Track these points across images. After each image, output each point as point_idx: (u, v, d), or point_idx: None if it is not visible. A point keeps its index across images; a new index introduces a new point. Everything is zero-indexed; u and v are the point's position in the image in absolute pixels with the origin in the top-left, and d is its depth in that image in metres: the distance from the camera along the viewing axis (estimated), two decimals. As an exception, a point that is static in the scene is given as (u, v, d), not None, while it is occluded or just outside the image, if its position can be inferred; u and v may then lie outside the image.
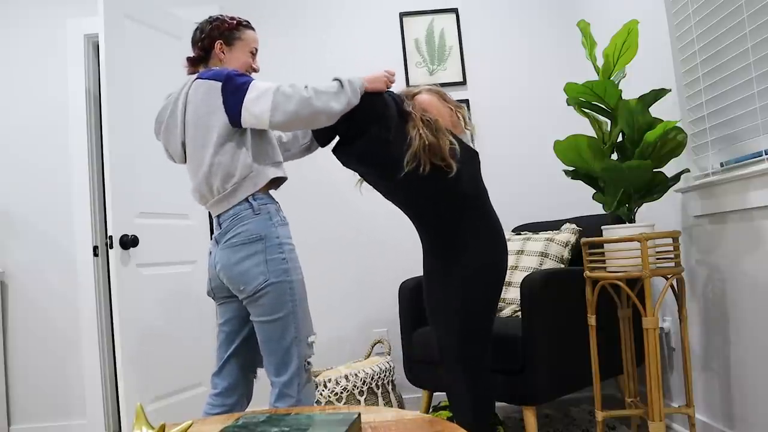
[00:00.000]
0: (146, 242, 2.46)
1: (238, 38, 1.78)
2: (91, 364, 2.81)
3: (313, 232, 2.95)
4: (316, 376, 2.44)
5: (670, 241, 2.03)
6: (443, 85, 2.57)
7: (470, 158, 1.79)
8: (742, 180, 1.70)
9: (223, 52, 1.76)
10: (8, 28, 2.96)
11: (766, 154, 1.65)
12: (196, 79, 1.66)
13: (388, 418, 1.21)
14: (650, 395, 1.76)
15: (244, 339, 1.74)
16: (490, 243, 1.79)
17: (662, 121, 1.82)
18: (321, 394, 2.38)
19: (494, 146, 2.95)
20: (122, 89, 2.46)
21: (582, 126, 2.32)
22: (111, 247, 2.30)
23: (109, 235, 2.31)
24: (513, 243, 2.54)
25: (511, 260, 2.45)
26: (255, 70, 1.83)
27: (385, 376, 2.50)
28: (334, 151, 1.83)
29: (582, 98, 1.92)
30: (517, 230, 2.80)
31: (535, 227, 2.72)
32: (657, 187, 1.90)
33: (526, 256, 2.43)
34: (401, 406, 2.57)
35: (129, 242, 2.36)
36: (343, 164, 1.85)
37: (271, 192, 1.73)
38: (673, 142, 1.85)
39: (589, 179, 2.01)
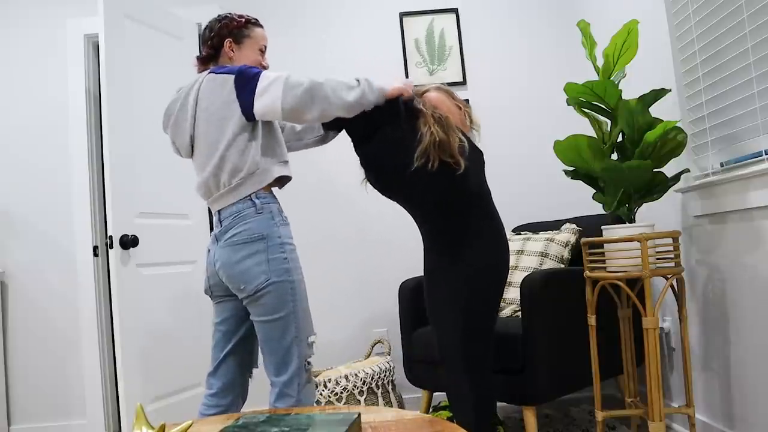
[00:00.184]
0: (146, 242, 2.46)
1: (247, 36, 1.79)
2: (91, 364, 2.81)
3: (314, 232, 2.95)
4: (316, 376, 2.44)
5: (670, 241, 2.03)
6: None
7: (477, 157, 1.81)
8: (742, 180, 1.70)
9: (232, 50, 1.77)
10: (8, 28, 2.96)
11: (766, 154, 1.65)
12: (209, 73, 1.67)
13: (388, 418, 1.21)
14: (650, 395, 1.76)
15: (241, 339, 1.74)
16: (494, 242, 1.80)
17: (662, 121, 1.82)
18: (321, 394, 2.38)
19: (494, 146, 2.94)
20: (122, 89, 2.46)
21: (582, 126, 2.31)
22: (111, 247, 2.30)
23: (109, 235, 2.31)
24: (513, 243, 2.54)
25: (511, 260, 2.45)
26: (264, 68, 1.84)
27: (385, 376, 2.50)
28: (358, 151, 1.85)
29: (582, 98, 1.92)
30: (517, 230, 2.80)
31: (535, 227, 2.72)
32: (657, 187, 1.90)
33: (526, 256, 2.43)
34: (401, 406, 2.57)
35: (129, 242, 2.36)
36: (363, 165, 1.86)
37: (274, 191, 1.73)
38: (673, 142, 1.85)
39: (589, 179, 2.01)
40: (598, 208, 2.65)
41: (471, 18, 3.06)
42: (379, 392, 2.46)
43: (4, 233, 2.88)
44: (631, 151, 1.88)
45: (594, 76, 1.99)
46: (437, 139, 1.69)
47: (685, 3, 1.96)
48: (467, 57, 3.03)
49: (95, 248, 2.88)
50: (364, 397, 2.42)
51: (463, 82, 3.00)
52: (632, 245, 1.80)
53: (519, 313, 2.28)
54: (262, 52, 1.83)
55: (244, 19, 1.79)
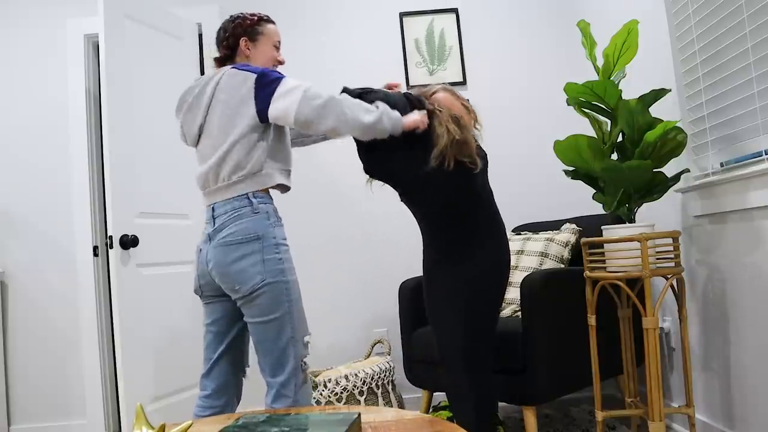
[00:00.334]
0: (146, 242, 2.46)
1: (261, 33, 1.80)
2: (91, 364, 2.81)
3: (314, 233, 2.95)
4: (316, 376, 2.44)
5: (670, 241, 2.03)
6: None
7: (482, 157, 1.82)
8: (742, 180, 1.70)
9: (248, 48, 1.78)
10: (8, 28, 2.96)
11: (766, 154, 1.65)
12: (232, 68, 1.67)
13: (388, 418, 1.21)
14: (650, 395, 1.76)
15: (233, 339, 1.73)
16: (496, 243, 1.81)
17: (662, 121, 1.82)
18: (321, 394, 2.38)
19: (494, 146, 2.93)
20: (122, 89, 2.46)
21: (582, 126, 2.32)
22: (111, 247, 2.30)
23: (109, 235, 2.31)
24: (513, 243, 2.54)
25: (512, 260, 2.45)
26: (281, 63, 1.85)
27: (385, 376, 2.50)
28: (364, 158, 1.84)
29: (582, 98, 1.92)
30: (517, 230, 2.80)
31: (535, 227, 2.72)
32: (657, 187, 1.90)
33: (526, 256, 2.43)
34: (401, 406, 2.57)
35: (129, 242, 2.36)
36: (369, 170, 1.85)
37: (271, 192, 1.73)
38: (673, 142, 1.85)
39: (589, 179, 2.01)
40: (598, 208, 2.65)
41: (471, 18, 3.06)
42: (379, 392, 2.46)
43: (4, 233, 2.88)
44: (631, 151, 1.88)
45: (594, 76, 1.99)
46: (455, 138, 1.70)
47: (685, 3, 1.96)
48: (467, 57, 3.03)
49: (95, 248, 2.88)
50: (364, 397, 2.42)
51: (463, 82, 3.00)
52: (632, 245, 1.80)
53: (519, 313, 2.28)
54: (277, 47, 1.84)
55: (256, 17, 1.81)
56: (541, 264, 2.37)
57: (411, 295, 2.49)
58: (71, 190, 2.88)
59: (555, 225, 2.60)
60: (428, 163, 1.70)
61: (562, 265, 2.36)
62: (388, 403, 2.48)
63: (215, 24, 2.93)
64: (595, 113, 1.98)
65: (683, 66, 2.02)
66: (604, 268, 1.90)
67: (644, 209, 2.29)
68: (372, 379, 2.44)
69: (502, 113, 3.00)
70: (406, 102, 1.78)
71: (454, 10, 3.04)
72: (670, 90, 1.87)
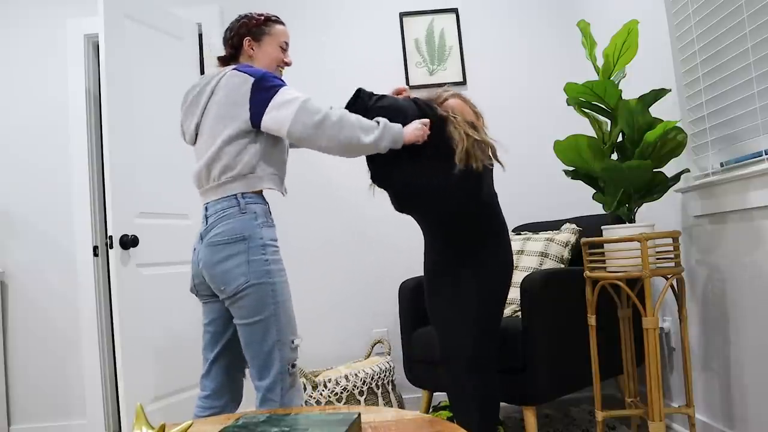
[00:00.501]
0: (146, 242, 2.46)
1: (266, 33, 1.78)
2: (91, 364, 2.81)
3: (314, 233, 2.95)
4: (316, 376, 2.44)
5: (670, 241, 2.03)
6: (443, 85, 2.57)
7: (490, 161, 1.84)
8: (742, 180, 1.70)
9: (252, 48, 1.76)
10: (8, 28, 2.96)
11: (766, 154, 1.65)
12: (234, 69, 1.66)
13: (388, 418, 1.21)
14: (650, 395, 1.76)
15: (230, 340, 1.71)
16: (502, 243, 1.81)
17: (662, 121, 1.82)
18: (321, 394, 2.38)
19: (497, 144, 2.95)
20: (122, 89, 2.46)
21: (582, 126, 2.31)
22: (111, 247, 2.30)
23: (109, 235, 2.31)
24: (513, 243, 2.54)
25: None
26: (287, 64, 1.83)
27: (385, 376, 2.50)
28: (377, 167, 1.83)
29: (582, 98, 1.92)
30: (517, 230, 2.80)
31: (535, 227, 2.72)
32: (657, 187, 1.90)
33: (526, 256, 2.43)
34: (401, 406, 2.57)
35: (129, 242, 2.36)
36: (381, 179, 1.84)
37: (268, 192, 1.72)
38: (673, 142, 1.85)
39: (589, 179, 2.01)
40: (598, 208, 2.65)
41: (471, 18, 3.06)
42: (379, 392, 2.46)
43: (4, 233, 2.88)
44: (631, 151, 1.88)
45: (594, 76, 1.99)
46: (475, 139, 1.72)
47: (685, 3, 1.96)
48: (467, 57, 3.03)
49: (95, 248, 2.88)
50: (364, 397, 2.42)
51: (463, 82, 3.00)
52: (632, 245, 1.80)
53: (519, 313, 2.28)
54: (284, 49, 1.81)
55: (263, 17, 1.79)
56: (541, 264, 2.37)
57: (411, 295, 2.49)
58: (71, 190, 2.88)
59: (555, 225, 2.60)
60: (454, 168, 1.69)
61: (562, 265, 2.36)
62: (388, 403, 2.48)
63: (215, 24, 2.94)
64: (595, 113, 1.98)
65: (683, 66, 2.02)
66: (604, 268, 1.90)
67: (644, 209, 2.29)
68: (372, 379, 2.44)
69: (502, 113, 3.00)
70: (416, 108, 1.78)
71: (454, 10, 3.04)
72: (670, 90, 1.87)
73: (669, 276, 1.82)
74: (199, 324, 2.65)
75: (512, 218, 2.89)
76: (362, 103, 1.79)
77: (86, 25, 2.92)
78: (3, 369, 2.80)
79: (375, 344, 2.75)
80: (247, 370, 1.79)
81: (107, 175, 2.36)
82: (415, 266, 2.86)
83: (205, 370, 1.73)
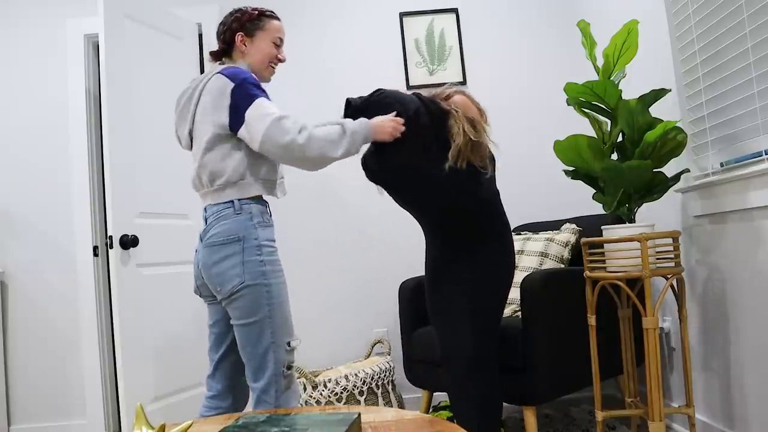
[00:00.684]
0: (146, 242, 2.46)
1: (259, 29, 1.74)
2: (91, 364, 2.81)
3: (314, 233, 2.95)
4: (316, 376, 2.44)
5: (670, 241, 2.03)
6: (443, 85, 2.57)
7: (492, 161, 1.84)
8: (742, 180, 1.70)
9: (244, 44, 1.74)
10: (8, 28, 2.96)
11: (766, 154, 1.65)
12: (218, 72, 1.64)
13: (388, 418, 1.21)
14: (650, 395, 1.76)
15: (234, 341, 1.70)
16: (503, 242, 1.81)
17: (662, 121, 1.82)
18: (321, 394, 2.38)
19: (494, 146, 2.95)
20: (122, 89, 2.46)
21: (582, 126, 2.32)
22: (111, 247, 2.30)
23: (109, 235, 2.31)
24: (513, 243, 2.54)
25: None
26: (280, 60, 1.80)
27: (385, 376, 2.50)
28: (371, 162, 1.82)
29: (582, 98, 1.92)
30: (517, 230, 2.80)
31: (535, 227, 2.72)
32: (657, 187, 1.90)
33: (526, 256, 2.43)
34: (401, 406, 2.57)
35: (129, 242, 2.36)
36: (374, 174, 1.84)
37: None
38: (673, 142, 1.85)
39: (589, 179, 2.01)
40: (598, 208, 2.65)
41: (471, 18, 3.06)
42: (379, 392, 2.46)
43: (4, 233, 2.88)
44: (631, 151, 1.88)
45: (594, 76, 1.99)
46: (471, 139, 1.71)
47: (685, 3, 1.96)
48: (467, 57, 3.03)
49: (95, 248, 2.88)
50: (364, 397, 2.42)
51: (463, 82, 3.00)
52: (632, 245, 1.80)
53: (519, 313, 2.28)
54: (277, 45, 1.78)
55: (257, 12, 1.75)
56: (541, 264, 2.37)
57: (411, 295, 2.49)
58: (71, 190, 2.88)
59: (555, 225, 2.60)
60: (445, 162, 1.70)
61: (562, 265, 2.36)
62: (388, 403, 2.48)
63: (215, 24, 2.93)
64: (595, 113, 1.98)
65: (683, 66, 2.02)
66: (604, 268, 1.90)
67: (644, 209, 2.29)
68: (372, 379, 2.44)
69: (502, 113, 3.00)
70: (419, 102, 1.78)
71: (454, 10, 3.04)
72: (670, 90, 1.87)
73: (669, 276, 1.82)
74: (199, 324, 2.67)
75: (512, 218, 2.88)
76: (355, 107, 1.79)
77: (86, 25, 2.93)
78: (3, 369, 2.80)
79: (375, 344, 2.75)
80: None
81: (107, 175, 2.36)
82: (415, 266, 2.86)
83: (211, 370, 1.73)
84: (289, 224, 2.90)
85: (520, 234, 2.62)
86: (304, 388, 2.40)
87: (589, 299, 1.98)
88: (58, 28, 2.95)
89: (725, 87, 1.80)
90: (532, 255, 2.42)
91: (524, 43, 3.05)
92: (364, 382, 2.42)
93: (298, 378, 2.40)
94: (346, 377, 2.40)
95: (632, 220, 1.94)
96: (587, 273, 1.96)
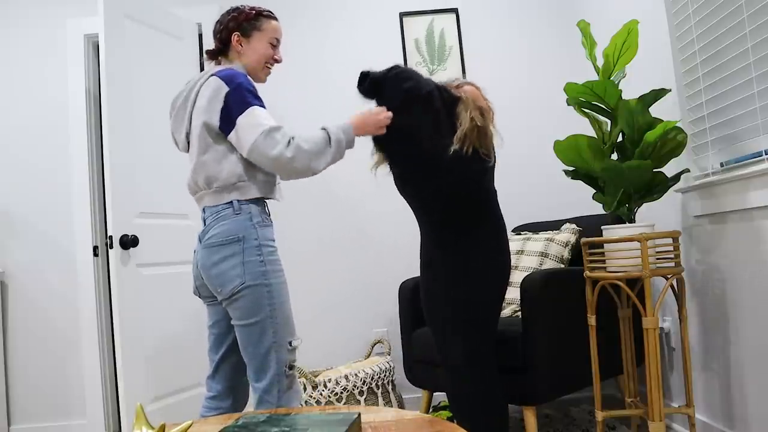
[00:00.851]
0: (146, 242, 2.46)
1: (256, 29, 1.73)
2: (91, 364, 2.81)
3: (314, 233, 2.95)
4: (316, 376, 2.44)
5: (670, 241, 2.03)
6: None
7: (495, 155, 1.86)
8: (742, 180, 1.70)
9: (240, 44, 1.72)
10: (8, 28, 2.96)
11: (766, 154, 1.65)
12: (212, 74, 1.63)
13: (388, 418, 1.21)
14: (650, 395, 1.76)
15: (234, 341, 1.70)
16: (500, 239, 1.81)
17: (662, 121, 1.82)
18: (321, 394, 2.38)
19: (499, 138, 2.95)
20: (122, 89, 2.46)
21: (582, 126, 2.32)
22: (111, 247, 2.30)
23: (109, 235, 2.31)
24: (513, 243, 2.54)
25: (512, 260, 2.45)
26: (277, 61, 1.79)
27: (385, 376, 2.50)
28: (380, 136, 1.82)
29: (582, 98, 1.92)
30: (517, 230, 2.80)
31: (535, 227, 2.72)
32: (657, 187, 1.90)
33: (526, 256, 2.43)
34: (401, 406, 2.57)
35: (129, 242, 2.36)
36: (379, 141, 1.83)
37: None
38: (673, 142, 1.85)
39: (589, 179, 2.01)
40: (598, 208, 2.65)
41: (471, 18, 3.06)
42: (379, 392, 2.46)
43: (4, 233, 2.88)
44: (631, 151, 1.88)
45: (594, 76, 1.99)
46: (477, 125, 1.73)
47: (685, 3, 1.96)
48: (467, 57, 3.03)
49: (95, 248, 2.88)
50: (364, 397, 2.42)
51: (463, 82, 2.99)
52: (632, 245, 1.80)
53: (519, 313, 2.28)
54: (274, 45, 1.77)
55: (254, 11, 1.73)
56: (541, 264, 2.37)
57: (411, 295, 2.49)
58: (71, 190, 2.88)
59: (555, 225, 2.60)
60: (450, 145, 1.72)
61: (562, 265, 2.36)
62: (388, 403, 2.48)
63: (215, 24, 2.94)
64: (595, 113, 1.98)
65: (683, 66, 2.02)
66: (604, 268, 1.90)
67: (644, 209, 2.29)
68: (372, 379, 2.44)
69: (502, 113, 2.97)
70: (434, 85, 1.80)
71: (454, 10, 3.04)
72: (670, 90, 1.87)
73: (669, 276, 1.82)
74: (199, 324, 2.66)
75: (512, 218, 2.90)
76: (374, 79, 1.80)
77: (86, 25, 2.93)
78: (3, 369, 2.80)
79: (375, 344, 2.75)
80: None
81: (107, 175, 2.36)
82: (415, 265, 2.85)
83: (211, 371, 1.72)
84: (289, 224, 2.90)
85: (520, 234, 2.62)
86: (304, 388, 2.40)
87: (589, 299, 1.98)
88: (58, 28, 2.95)
89: (725, 87, 1.80)
90: (532, 255, 2.42)
91: (524, 43, 3.05)
92: (364, 382, 2.42)
93: (298, 378, 2.40)
94: (346, 377, 2.40)
95: (632, 220, 1.94)
96: (587, 273, 1.96)
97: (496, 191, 1.87)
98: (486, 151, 1.77)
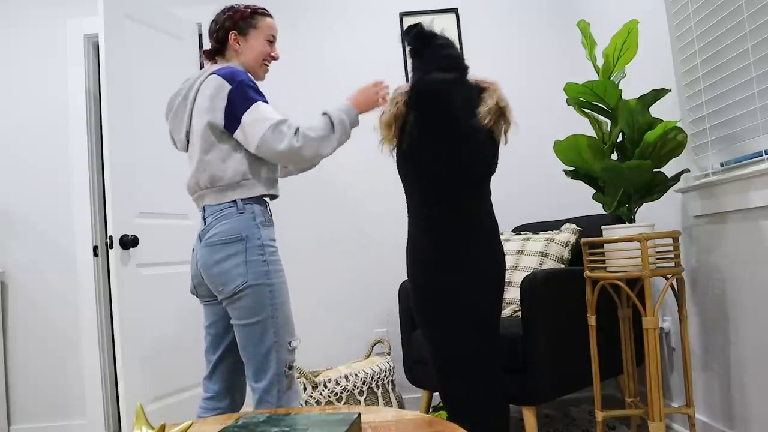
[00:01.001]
0: (146, 242, 2.46)
1: (252, 27, 1.74)
2: (91, 364, 2.81)
3: (314, 233, 2.95)
4: (316, 376, 2.44)
5: (670, 241, 2.03)
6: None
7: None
8: (742, 180, 1.70)
9: (237, 43, 1.73)
10: (8, 28, 2.96)
11: (766, 154, 1.65)
12: (212, 73, 1.63)
13: (388, 418, 1.21)
14: (650, 395, 1.76)
15: (231, 342, 1.70)
16: (496, 239, 1.80)
17: (662, 121, 1.82)
18: (321, 394, 2.38)
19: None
20: (122, 89, 2.46)
21: (582, 126, 2.32)
22: (111, 247, 2.30)
23: (109, 235, 2.31)
24: (513, 243, 2.54)
25: (511, 260, 2.45)
26: (274, 58, 1.79)
27: (385, 376, 2.50)
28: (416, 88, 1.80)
29: (582, 98, 1.92)
30: (517, 230, 2.80)
31: (535, 227, 2.72)
32: (657, 187, 1.90)
33: (526, 256, 2.43)
34: (401, 406, 2.57)
35: (129, 242, 2.36)
36: (420, 99, 1.80)
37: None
38: (673, 142, 1.85)
39: (589, 179, 2.01)
40: (598, 208, 2.65)
41: (471, 18, 3.06)
42: (379, 392, 2.46)
43: (4, 233, 2.88)
44: (631, 151, 1.88)
45: (594, 76, 1.99)
46: (503, 104, 1.75)
47: (685, 3, 1.96)
48: (467, 57, 3.02)
49: (95, 248, 2.88)
50: (364, 397, 2.42)
51: (463, 82, 2.99)
52: (632, 245, 1.80)
53: (519, 313, 2.28)
54: (271, 42, 1.77)
55: (250, 10, 1.74)
56: (541, 264, 2.37)
57: (411, 295, 2.48)
58: (71, 190, 2.88)
59: (555, 225, 2.60)
60: (474, 118, 1.72)
61: (562, 265, 2.36)
62: (388, 403, 2.48)
63: (215, 24, 2.93)
64: (595, 113, 1.98)
65: (683, 66, 2.02)
66: (604, 268, 1.90)
67: (644, 209, 2.29)
68: (372, 379, 2.44)
69: (502, 113, 3.00)
70: (467, 69, 1.81)
71: (454, 10, 3.04)
72: (670, 90, 1.87)
73: (669, 276, 1.82)
74: (199, 324, 2.66)
75: (512, 218, 2.90)
76: (420, 34, 1.79)
77: (86, 25, 2.93)
78: (3, 369, 2.80)
79: (375, 344, 2.75)
80: None
81: (107, 175, 2.36)
82: (415, 266, 2.86)
83: (207, 371, 1.72)
84: (289, 224, 2.90)
85: (520, 234, 2.62)
86: (304, 388, 2.40)
87: (589, 299, 1.98)
88: (58, 28, 2.95)
89: (725, 87, 1.80)
90: (532, 255, 2.42)
91: (524, 43, 3.05)
92: (364, 382, 2.42)
93: (298, 378, 2.40)
94: (346, 377, 2.40)
95: (632, 220, 1.94)
96: (587, 273, 1.96)
97: (491, 192, 1.86)
98: (498, 135, 1.78)
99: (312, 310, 2.90)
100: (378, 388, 2.46)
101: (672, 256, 1.87)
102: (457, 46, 1.88)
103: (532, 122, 3.00)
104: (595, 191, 2.01)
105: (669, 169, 1.98)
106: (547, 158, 2.43)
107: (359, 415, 1.13)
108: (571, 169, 2.05)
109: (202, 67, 2.92)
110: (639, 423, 2.23)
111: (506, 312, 2.34)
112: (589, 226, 2.42)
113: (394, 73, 3.00)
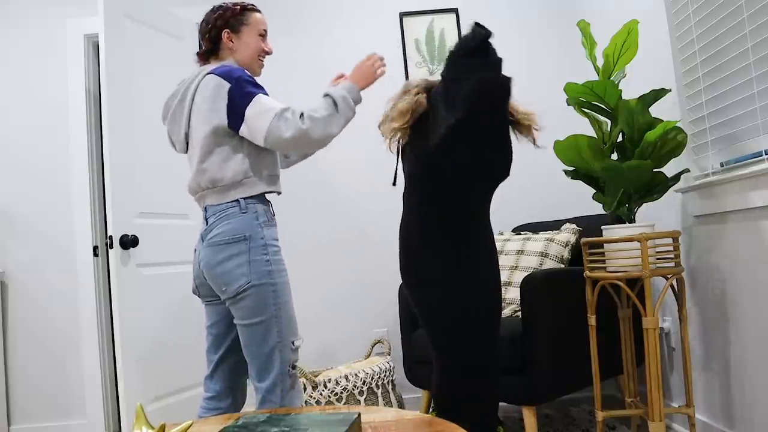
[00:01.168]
0: (146, 242, 2.46)
1: (244, 23, 1.74)
2: (91, 364, 2.81)
3: (314, 233, 2.95)
4: (316, 376, 2.44)
5: (670, 241, 2.03)
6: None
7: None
8: (742, 180, 1.70)
9: (231, 41, 1.73)
10: (8, 28, 2.96)
11: (766, 154, 1.65)
12: (209, 73, 1.63)
13: (388, 418, 1.21)
14: (650, 395, 1.76)
15: (233, 341, 1.70)
16: (492, 238, 1.80)
17: (662, 121, 1.82)
18: (321, 394, 2.38)
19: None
20: (122, 89, 2.46)
21: (582, 126, 2.32)
22: (111, 247, 2.30)
23: (109, 235, 2.31)
24: (513, 243, 2.54)
25: (511, 260, 2.45)
26: (268, 53, 1.80)
27: (385, 376, 2.50)
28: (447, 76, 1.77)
29: (582, 98, 1.92)
30: (517, 230, 2.80)
31: (535, 227, 2.72)
32: (657, 187, 1.90)
33: (526, 256, 2.43)
34: (401, 406, 2.57)
35: (129, 242, 2.36)
36: (451, 88, 1.74)
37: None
38: (673, 142, 1.85)
39: (589, 179, 2.01)
40: (598, 208, 2.65)
41: (471, 18, 3.05)
42: (379, 392, 2.46)
43: (4, 233, 2.88)
44: (631, 151, 1.88)
45: (594, 76, 1.99)
46: (528, 113, 1.80)
47: (685, 3, 1.96)
48: (467, 57, 3.02)
49: (95, 248, 2.88)
50: (364, 397, 2.42)
51: (463, 82, 2.99)
52: (632, 245, 1.80)
53: (519, 313, 2.28)
54: (263, 36, 1.78)
55: (239, 7, 1.74)
56: (541, 264, 2.37)
57: (411, 295, 2.48)
58: (71, 190, 2.88)
59: (555, 225, 2.60)
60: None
61: (562, 265, 2.36)
62: (388, 403, 2.48)
63: (215, 24, 2.93)
64: (595, 113, 1.98)
65: (683, 66, 2.02)
66: (604, 268, 1.90)
67: (644, 209, 2.29)
68: (372, 379, 2.44)
69: (502, 113, 3.00)
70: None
71: (454, 10, 3.04)
72: (670, 90, 1.87)
73: (669, 276, 1.82)
74: (199, 324, 2.66)
75: (512, 218, 2.90)
76: (482, 36, 1.73)
77: (86, 25, 2.93)
78: (3, 369, 2.80)
79: (375, 344, 2.75)
80: None
81: (107, 175, 2.36)
82: (415, 266, 2.86)
83: (209, 371, 1.72)
84: (289, 224, 2.90)
85: (520, 234, 2.62)
86: (304, 388, 2.40)
87: (589, 299, 1.98)
88: (58, 28, 2.95)
89: (725, 87, 1.80)
90: (532, 255, 2.42)
91: (524, 43, 3.05)
92: (364, 382, 2.42)
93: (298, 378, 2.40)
94: (346, 377, 2.40)
95: (632, 220, 1.94)
96: (587, 273, 1.96)
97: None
98: (515, 135, 1.82)
99: (312, 309, 2.90)
100: (378, 388, 2.46)
101: (672, 256, 1.87)
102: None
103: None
104: (595, 191, 2.01)
105: (669, 169, 1.98)
106: (547, 158, 2.42)
107: (359, 415, 1.13)
108: (571, 169, 2.05)
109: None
110: (639, 423, 2.23)
111: (506, 312, 2.34)
112: (589, 226, 2.42)
113: (394, 73, 3.00)
